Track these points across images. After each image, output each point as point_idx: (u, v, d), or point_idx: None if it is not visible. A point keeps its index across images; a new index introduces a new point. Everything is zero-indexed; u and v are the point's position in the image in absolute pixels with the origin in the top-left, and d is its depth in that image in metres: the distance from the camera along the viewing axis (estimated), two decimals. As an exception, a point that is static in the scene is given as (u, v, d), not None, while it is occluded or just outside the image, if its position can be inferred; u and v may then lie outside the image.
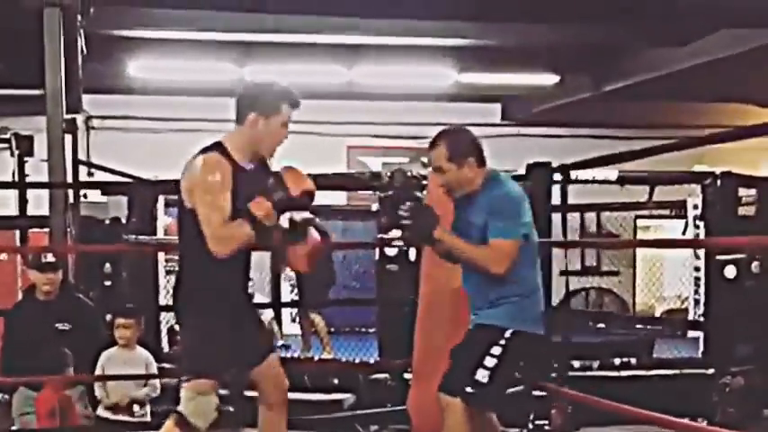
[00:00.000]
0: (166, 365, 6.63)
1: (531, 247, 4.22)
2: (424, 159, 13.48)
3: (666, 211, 9.90)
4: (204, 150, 3.80)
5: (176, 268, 4.07)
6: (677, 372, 6.93)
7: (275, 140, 3.86)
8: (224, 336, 3.78)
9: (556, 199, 6.57)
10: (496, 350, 4.11)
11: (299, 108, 3.87)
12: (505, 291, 4.13)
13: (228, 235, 3.65)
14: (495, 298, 4.15)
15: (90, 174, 11.08)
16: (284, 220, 3.89)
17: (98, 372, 5.98)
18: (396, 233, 6.58)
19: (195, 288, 3.82)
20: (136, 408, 6.05)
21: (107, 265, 8.00)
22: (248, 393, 3.92)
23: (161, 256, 8.00)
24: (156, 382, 6.14)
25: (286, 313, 11.40)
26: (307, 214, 3.99)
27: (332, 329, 10.07)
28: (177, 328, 4.05)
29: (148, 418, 6.12)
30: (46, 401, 5.67)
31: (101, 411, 6.01)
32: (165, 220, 8.22)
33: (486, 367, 4.10)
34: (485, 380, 4.10)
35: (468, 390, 4.10)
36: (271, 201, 3.69)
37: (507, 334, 4.13)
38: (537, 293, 4.29)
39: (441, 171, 4.21)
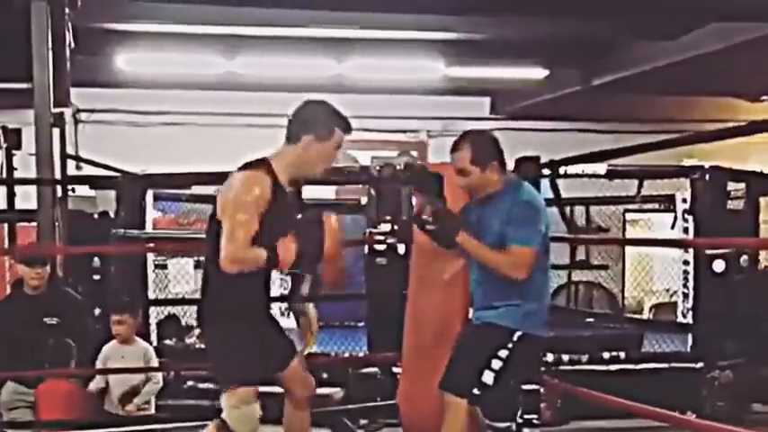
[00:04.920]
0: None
1: (545, 252, 4.24)
2: (413, 153, 13.61)
3: (655, 205, 9.90)
4: (248, 165, 3.76)
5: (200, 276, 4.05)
6: (666, 365, 6.94)
7: (325, 163, 3.88)
8: (257, 343, 3.79)
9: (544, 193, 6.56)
10: (503, 353, 4.13)
11: (350, 134, 3.90)
12: (518, 293, 4.14)
13: (244, 258, 3.62)
14: (507, 299, 4.16)
15: (78, 167, 11.02)
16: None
17: (99, 366, 5.98)
18: (385, 227, 6.59)
19: (225, 296, 3.78)
20: (138, 400, 6.04)
21: (95, 259, 7.97)
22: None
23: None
24: (159, 374, 6.13)
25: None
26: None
27: (321, 323, 10.04)
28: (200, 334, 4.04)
29: (152, 411, 6.12)
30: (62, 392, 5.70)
31: (106, 405, 6.01)
32: (154, 214, 8.18)
33: (492, 369, 4.12)
34: (490, 382, 4.12)
35: (475, 391, 4.12)
36: (299, 249, 3.70)
37: (515, 337, 4.15)
38: (546, 297, 4.34)
39: (464, 174, 4.21)
